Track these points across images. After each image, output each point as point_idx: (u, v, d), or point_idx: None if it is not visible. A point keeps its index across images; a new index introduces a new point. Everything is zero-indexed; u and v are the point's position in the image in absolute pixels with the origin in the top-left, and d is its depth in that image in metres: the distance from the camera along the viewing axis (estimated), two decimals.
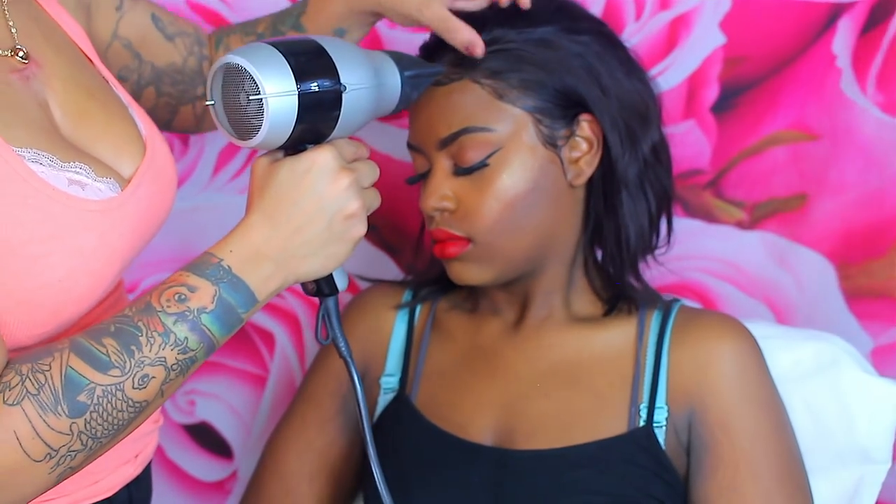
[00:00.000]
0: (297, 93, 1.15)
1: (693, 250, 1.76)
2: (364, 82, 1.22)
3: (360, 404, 1.26)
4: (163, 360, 1.11)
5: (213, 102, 1.17)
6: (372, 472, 1.47)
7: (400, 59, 1.31)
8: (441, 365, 1.52)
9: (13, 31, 1.20)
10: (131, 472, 1.31)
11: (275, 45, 1.16)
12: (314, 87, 1.16)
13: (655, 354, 1.45)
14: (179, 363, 1.12)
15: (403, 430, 1.50)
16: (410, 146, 1.47)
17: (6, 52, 1.19)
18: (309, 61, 1.17)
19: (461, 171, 1.42)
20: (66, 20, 1.29)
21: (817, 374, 1.52)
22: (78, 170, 1.17)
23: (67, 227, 1.14)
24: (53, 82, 1.21)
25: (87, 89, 1.25)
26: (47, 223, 1.13)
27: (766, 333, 1.52)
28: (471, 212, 1.42)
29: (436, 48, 1.44)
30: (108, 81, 1.29)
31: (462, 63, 1.42)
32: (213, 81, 1.17)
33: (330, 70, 1.18)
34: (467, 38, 1.40)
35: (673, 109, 1.70)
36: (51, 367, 1.08)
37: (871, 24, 1.70)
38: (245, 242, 1.16)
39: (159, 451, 1.79)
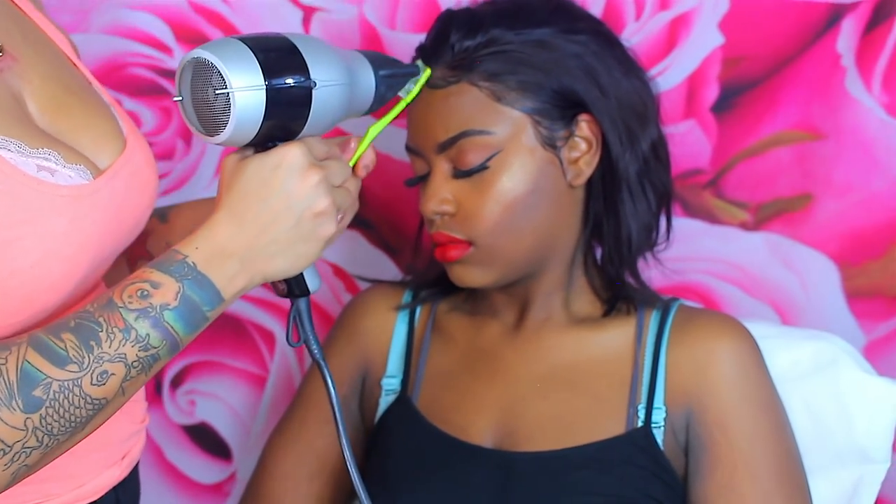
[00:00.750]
0: (264, 87, 1.14)
1: (696, 251, 1.76)
2: (336, 79, 1.21)
3: (334, 407, 1.26)
4: (123, 356, 1.09)
5: (180, 98, 1.16)
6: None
7: (374, 59, 1.30)
8: (442, 367, 1.52)
9: None
10: (118, 474, 1.29)
11: (243, 39, 1.15)
12: (283, 82, 1.15)
13: (654, 355, 1.45)
14: (140, 360, 1.10)
15: (404, 432, 1.50)
16: (409, 149, 1.47)
17: None
18: (278, 56, 1.16)
19: (460, 173, 1.42)
20: (48, 26, 1.28)
21: (816, 374, 1.52)
22: (47, 156, 1.15)
23: (38, 212, 1.12)
24: (31, 77, 1.19)
25: (67, 86, 1.23)
26: (17, 208, 1.11)
27: (765, 333, 1.51)
28: (471, 215, 1.41)
29: (433, 49, 1.44)
30: (89, 81, 1.28)
31: (460, 66, 1.42)
32: (181, 77, 1.16)
33: (300, 65, 1.17)
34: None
35: (673, 109, 1.70)
36: (7, 361, 1.06)
37: (875, 23, 1.69)
38: (211, 239, 1.15)
39: (158, 452, 1.80)
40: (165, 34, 1.74)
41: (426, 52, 1.45)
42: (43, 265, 1.13)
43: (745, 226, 1.75)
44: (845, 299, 1.72)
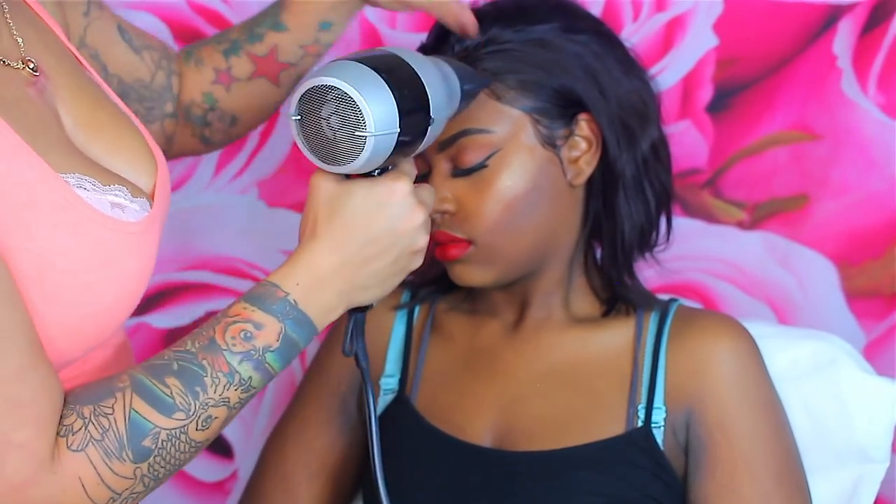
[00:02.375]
0: (397, 132, 1.12)
1: (694, 251, 1.76)
2: (445, 111, 1.20)
3: (371, 421, 1.25)
4: (226, 400, 1.09)
5: (298, 117, 1.13)
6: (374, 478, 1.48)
7: (461, 73, 1.28)
8: (440, 366, 1.52)
9: (19, 41, 1.16)
10: None
11: (378, 70, 1.12)
12: (412, 125, 1.14)
13: (653, 355, 1.45)
14: (241, 401, 1.10)
15: (403, 432, 1.49)
16: None
17: (18, 65, 1.14)
18: (410, 95, 1.14)
19: (460, 172, 1.42)
20: (46, 16, 1.25)
21: (815, 374, 1.52)
22: (117, 192, 1.13)
23: (114, 253, 1.11)
24: (61, 92, 1.17)
25: (93, 97, 1.21)
26: (97, 250, 1.09)
27: (764, 333, 1.51)
28: (471, 214, 1.41)
29: (433, 49, 1.44)
30: (100, 86, 1.26)
31: None
32: (302, 95, 1.12)
33: (425, 103, 1.16)
34: (461, 17, 1.37)
35: (669, 110, 1.70)
36: (114, 410, 1.05)
37: (872, 25, 1.70)
38: (312, 272, 1.13)
39: None
40: (164, 34, 1.74)
41: (426, 52, 1.45)
42: (116, 306, 1.12)
43: (742, 225, 1.76)
44: (845, 299, 1.73)
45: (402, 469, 1.46)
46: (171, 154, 1.45)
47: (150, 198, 1.18)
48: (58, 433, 1.05)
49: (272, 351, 1.11)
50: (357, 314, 1.23)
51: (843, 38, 1.71)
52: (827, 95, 1.72)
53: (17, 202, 1.03)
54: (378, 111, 1.10)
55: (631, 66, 1.47)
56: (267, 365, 1.11)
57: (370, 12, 1.74)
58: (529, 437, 1.44)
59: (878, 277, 1.72)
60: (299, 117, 1.13)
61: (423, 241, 1.17)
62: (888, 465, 1.50)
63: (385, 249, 1.15)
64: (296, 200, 1.79)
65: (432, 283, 1.57)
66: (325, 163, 1.13)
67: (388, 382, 1.54)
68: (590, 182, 1.46)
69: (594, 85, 1.42)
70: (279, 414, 1.76)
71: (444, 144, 1.41)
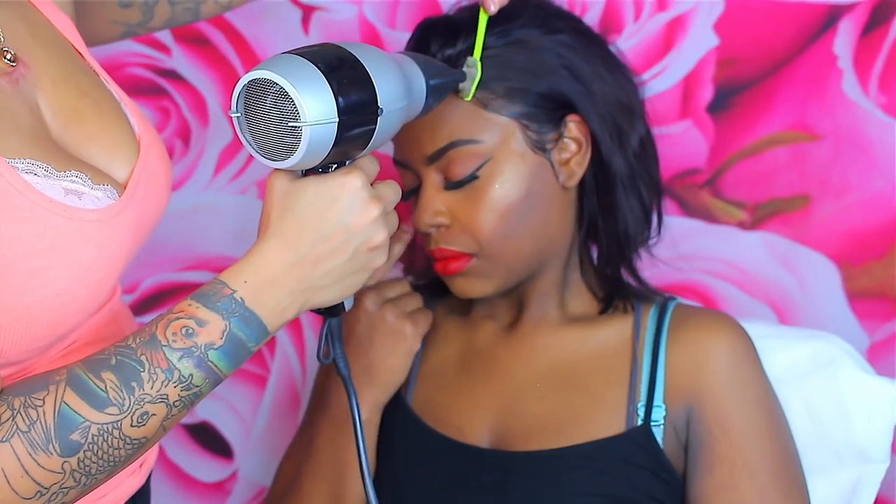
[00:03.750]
0: (337, 121, 1.09)
1: (695, 251, 1.76)
2: (398, 101, 1.17)
3: (356, 424, 1.24)
4: (164, 397, 1.06)
5: (238, 115, 1.11)
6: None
7: (426, 67, 1.26)
8: (437, 367, 1.52)
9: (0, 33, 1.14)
10: (136, 483, 1.27)
11: (313, 60, 1.09)
12: (354, 113, 1.11)
13: (652, 353, 1.45)
14: (182, 399, 1.08)
15: (400, 433, 1.49)
16: (397, 162, 1.46)
17: None
18: (350, 83, 1.11)
19: (452, 184, 1.41)
20: (53, 11, 1.23)
21: (815, 374, 1.52)
22: (74, 178, 1.11)
23: (66, 239, 1.08)
24: (43, 82, 1.15)
25: (78, 86, 1.19)
26: (45, 236, 1.07)
27: (764, 333, 1.51)
28: (468, 226, 1.41)
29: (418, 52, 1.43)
30: (98, 76, 1.24)
31: None
32: (241, 91, 1.10)
33: (369, 92, 1.13)
34: None
35: (670, 109, 1.70)
36: (44, 403, 1.03)
37: (873, 25, 1.70)
38: (262, 271, 1.10)
39: (160, 451, 1.80)
40: (164, 34, 1.74)
41: None
42: (69, 292, 1.09)
43: (742, 225, 1.75)
44: (847, 300, 1.73)
45: (399, 470, 1.46)
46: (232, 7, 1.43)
47: (124, 187, 1.16)
48: None
49: (216, 349, 1.08)
50: (330, 318, 1.22)
51: (844, 39, 1.70)
52: (828, 95, 1.72)
53: None
54: (312, 100, 1.07)
55: (613, 63, 1.46)
56: (210, 363, 1.08)
57: (370, 12, 1.74)
58: (527, 437, 1.44)
59: (880, 278, 1.71)
60: (239, 114, 1.11)
61: (380, 236, 1.15)
62: (888, 465, 1.50)
63: (338, 247, 1.13)
64: None
65: (429, 286, 1.56)
66: (269, 158, 1.11)
67: None
68: (582, 182, 1.45)
69: (579, 84, 1.42)
70: (279, 414, 1.77)
71: (434, 157, 1.40)
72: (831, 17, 1.70)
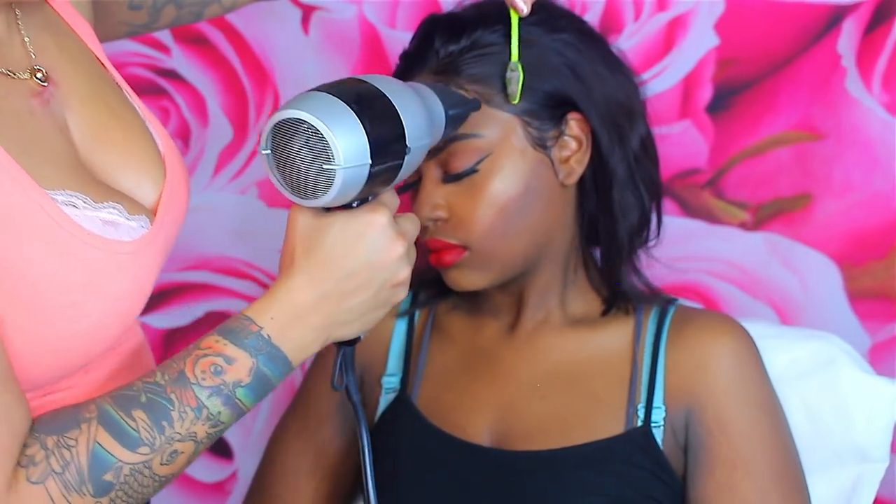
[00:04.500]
0: (369, 164, 1.09)
1: (696, 251, 1.76)
2: (424, 139, 1.17)
3: (364, 454, 1.24)
4: (193, 434, 1.07)
5: (268, 152, 1.10)
6: (376, 469, 1.48)
7: (444, 97, 1.26)
8: (441, 366, 1.52)
9: (30, 48, 1.14)
10: None
11: (347, 102, 1.09)
12: (386, 156, 1.11)
13: (652, 354, 1.45)
14: (209, 436, 1.08)
15: (404, 431, 1.49)
16: None
17: (25, 75, 1.12)
18: (382, 124, 1.11)
19: (451, 178, 1.41)
20: (73, 17, 1.22)
21: (815, 374, 1.51)
22: (111, 209, 1.10)
23: (102, 273, 1.08)
24: (72, 101, 1.15)
25: (106, 104, 1.18)
26: (82, 270, 1.07)
27: (764, 333, 1.51)
28: (464, 219, 1.41)
29: (418, 56, 1.43)
30: (122, 89, 1.23)
31: (446, 70, 1.41)
32: (272, 129, 1.10)
33: (399, 131, 1.13)
34: None
35: (670, 109, 1.70)
36: (77, 443, 1.04)
37: (876, 24, 1.70)
38: (288, 308, 1.11)
39: None
40: (164, 34, 1.75)
41: (410, 59, 1.44)
42: (103, 324, 1.10)
43: (744, 226, 1.75)
44: (848, 300, 1.72)
45: (403, 468, 1.46)
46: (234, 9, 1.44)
47: (153, 212, 1.16)
48: (19, 463, 1.03)
49: (243, 386, 1.08)
50: (345, 347, 1.21)
51: (848, 38, 1.70)
52: (831, 94, 1.72)
53: None
54: (346, 144, 1.07)
55: (615, 63, 1.47)
56: (237, 400, 1.09)
57: (370, 12, 1.74)
58: (529, 436, 1.43)
59: (881, 278, 1.71)
60: (269, 151, 1.10)
61: (404, 273, 1.15)
62: (887, 464, 1.50)
63: (364, 283, 1.13)
64: None
65: (432, 284, 1.56)
66: (298, 196, 1.10)
67: (390, 381, 1.54)
68: (582, 181, 1.45)
69: (581, 83, 1.42)
70: (279, 415, 1.77)
71: (434, 151, 1.40)
72: (835, 17, 1.70)
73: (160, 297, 1.80)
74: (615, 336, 1.47)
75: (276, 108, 1.76)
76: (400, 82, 1.19)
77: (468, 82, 1.40)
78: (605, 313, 1.48)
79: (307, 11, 1.74)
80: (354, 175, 1.09)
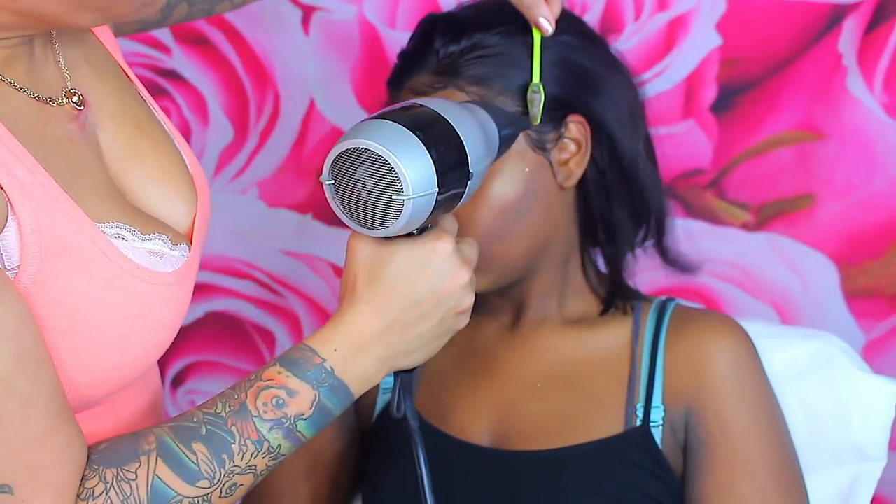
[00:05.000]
0: (436, 192, 1.08)
1: (698, 252, 1.75)
2: (483, 163, 1.16)
3: (424, 482, 1.23)
4: (253, 468, 1.06)
5: (331, 182, 1.08)
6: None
7: (497, 117, 1.24)
8: (439, 366, 1.51)
9: (63, 69, 1.12)
10: None
11: (413, 129, 1.07)
12: (451, 184, 1.10)
13: (651, 354, 1.44)
14: (268, 468, 1.08)
15: (402, 431, 1.49)
16: None
17: (61, 101, 1.10)
18: (448, 152, 1.10)
19: None
20: (100, 30, 1.20)
21: (813, 373, 1.51)
22: (158, 240, 1.09)
23: (149, 305, 1.07)
24: (103, 119, 1.13)
25: (136, 122, 1.16)
26: (131, 303, 1.06)
27: (762, 332, 1.51)
28: (464, 222, 1.40)
29: (417, 56, 1.43)
30: (147, 103, 1.21)
31: (446, 72, 1.41)
32: (335, 158, 1.08)
33: (462, 159, 1.12)
34: (542, 13, 1.33)
35: (672, 110, 1.70)
36: (137, 476, 1.03)
37: (876, 23, 1.70)
38: (352, 338, 1.10)
39: None
40: (164, 34, 1.75)
41: (409, 58, 1.44)
42: (146, 356, 1.10)
43: (746, 226, 1.75)
44: (843, 298, 1.72)
45: (401, 468, 1.46)
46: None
47: (189, 238, 1.14)
48: (78, 496, 1.03)
49: (304, 419, 1.08)
50: (403, 375, 1.20)
51: (849, 37, 1.70)
52: (832, 94, 1.72)
53: (53, 254, 1.01)
54: (415, 173, 1.06)
55: (615, 65, 1.46)
56: (298, 433, 1.08)
57: (370, 12, 1.74)
58: (528, 436, 1.43)
59: (877, 277, 1.71)
60: (333, 181, 1.09)
61: (468, 300, 1.14)
62: (885, 463, 1.49)
63: (429, 312, 1.11)
64: (295, 201, 1.79)
65: None
66: (363, 226, 1.09)
67: (388, 381, 1.53)
68: (581, 183, 1.45)
69: (581, 86, 1.42)
70: None
71: None
72: (836, 16, 1.70)
73: None
74: (613, 335, 1.47)
75: (276, 108, 1.78)
76: (455, 104, 1.17)
77: (468, 84, 1.40)
78: (603, 313, 1.48)
79: (307, 12, 1.75)
80: (422, 204, 1.07)
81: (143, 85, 1.73)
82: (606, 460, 1.41)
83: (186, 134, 1.78)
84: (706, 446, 1.41)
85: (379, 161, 1.06)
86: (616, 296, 1.48)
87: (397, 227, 1.07)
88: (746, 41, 1.72)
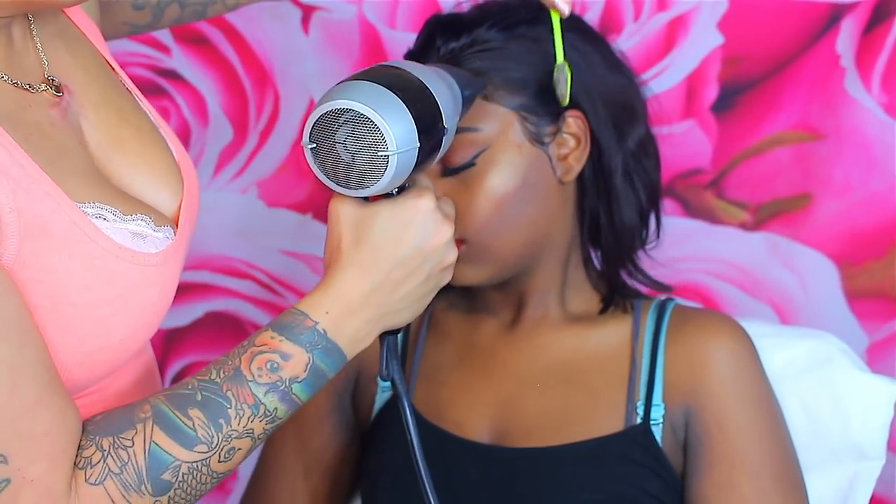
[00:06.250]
0: (418, 147, 1.09)
1: (696, 252, 1.76)
2: (454, 117, 1.18)
3: (413, 443, 1.24)
4: (250, 431, 1.07)
5: (313, 146, 1.09)
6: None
7: (458, 78, 1.26)
8: (438, 364, 1.52)
9: (43, 56, 1.13)
10: None
11: (389, 86, 1.09)
12: (430, 138, 1.11)
13: (651, 352, 1.45)
14: (266, 432, 1.08)
15: (401, 428, 1.49)
16: None
17: (40, 87, 1.10)
18: (423, 107, 1.11)
19: (449, 171, 1.41)
20: (81, 17, 1.21)
21: (811, 372, 1.51)
22: (140, 221, 1.10)
23: (132, 286, 1.08)
24: (86, 109, 1.14)
25: (120, 112, 1.17)
26: (114, 283, 1.07)
27: (761, 332, 1.51)
28: (462, 212, 1.41)
29: (420, 54, 1.43)
30: (133, 94, 1.22)
31: (445, 66, 1.42)
32: (315, 121, 1.09)
33: (437, 113, 1.14)
34: None
35: (672, 109, 1.70)
36: (133, 443, 1.04)
37: (874, 23, 1.70)
38: (342, 300, 1.11)
39: None
40: (164, 33, 1.75)
41: (414, 58, 1.44)
42: (132, 337, 1.10)
43: (745, 226, 1.75)
44: (846, 300, 1.72)
45: (399, 464, 1.46)
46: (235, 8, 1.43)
47: (174, 222, 1.15)
48: (76, 465, 1.03)
49: (299, 382, 1.08)
50: (388, 337, 1.21)
51: (846, 37, 1.70)
52: (830, 94, 1.72)
53: (32, 234, 1.02)
54: (397, 128, 1.07)
55: (615, 64, 1.47)
56: (294, 396, 1.08)
57: (370, 12, 1.74)
58: (527, 433, 1.44)
59: (879, 278, 1.71)
60: (314, 145, 1.10)
61: (452, 255, 1.15)
62: (884, 462, 1.49)
63: (415, 270, 1.13)
64: (295, 200, 1.79)
65: None
66: (346, 187, 1.10)
67: (387, 382, 1.54)
68: (582, 179, 1.46)
69: (579, 81, 1.42)
70: None
71: None
72: (834, 16, 1.70)
73: None
74: (613, 333, 1.47)
75: (276, 108, 1.78)
76: (424, 66, 1.19)
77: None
78: (603, 311, 1.49)
79: (307, 11, 1.75)
80: (406, 159, 1.09)
81: (144, 85, 1.75)
82: (606, 458, 1.41)
83: (187, 134, 1.78)
84: (705, 445, 1.41)
85: (361, 120, 1.07)
86: (616, 294, 1.49)
87: (382, 185, 1.09)
88: (749, 40, 1.72)
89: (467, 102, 1.28)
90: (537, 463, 1.42)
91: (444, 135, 1.15)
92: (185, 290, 1.79)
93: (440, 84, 1.17)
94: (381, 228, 1.12)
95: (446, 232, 1.14)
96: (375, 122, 1.07)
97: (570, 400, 1.45)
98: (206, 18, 1.43)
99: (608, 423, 1.42)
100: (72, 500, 1.02)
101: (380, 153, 1.07)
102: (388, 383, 1.53)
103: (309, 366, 1.09)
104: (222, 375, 1.07)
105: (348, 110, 1.07)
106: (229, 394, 1.06)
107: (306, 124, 1.09)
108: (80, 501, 1.03)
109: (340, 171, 1.09)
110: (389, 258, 1.11)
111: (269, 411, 1.07)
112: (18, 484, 1.00)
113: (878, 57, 1.70)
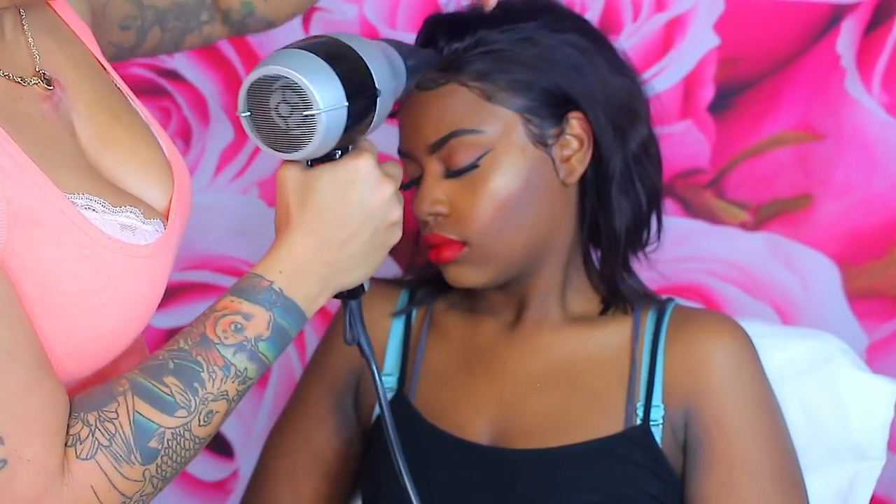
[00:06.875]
0: (346, 106, 1.12)
1: (697, 252, 1.76)
2: (389, 83, 1.20)
3: (381, 401, 1.26)
4: (225, 393, 1.09)
5: (248, 114, 1.13)
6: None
7: (401, 50, 1.28)
8: (439, 365, 1.52)
9: (34, 51, 1.14)
10: None
11: (313, 51, 1.13)
12: (359, 97, 1.14)
13: (651, 353, 1.45)
14: (239, 393, 1.10)
15: (402, 430, 1.48)
16: (401, 153, 1.47)
17: (31, 81, 1.12)
18: (351, 69, 1.14)
19: (452, 173, 1.42)
20: (74, 20, 1.23)
21: (811, 372, 1.52)
22: (129, 213, 1.12)
23: (121, 277, 1.09)
24: (78, 105, 1.16)
25: (111, 110, 1.19)
26: (103, 273, 1.08)
27: (761, 332, 1.51)
28: (464, 214, 1.41)
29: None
30: (124, 93, 1.24)
31: (449, 67, 1.42)
32: (247, 90, 1.13)
33: (368, 76, 1.16)
34: None
35: (670, 110, 1.70)
36: (118, 415, 1.05)
37: (875, 24, 1.70)
38: (293, 260, 1.13)
39: None
40: None
41: None
42: (122, 328, 1.11)
43: (745, 226, 1.75)
44: (846, 299, 1.72)
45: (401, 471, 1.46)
46: (209, 42, 1.45)
47: (165, 216, 1.17)
48: (66, 443, 1.05)
49: (264, 340, 1.11)
50: (351, 301, 1.23)
51: (847, 38, 1.70)
52: (831, 95, 1.72)
53: (21, 223, 1.03)
54: (322, 88, 1.10)
55: (619, 65, 1.47)
56: (261, 354, 1.11)
57: (370, 12, 1.74)
58: (528, 435, 1.44)
59: (879, 278, 1.71)
60: (249, 113, 1.13)
61: (396, 213, 1.17)
62: (884, 462, 1.50)
63: (360, 228, 1.15)
64: None
65: (429, 282, 1.57)
66: (284, 152, 1.13)
67: (387, 381, 1.54)
68: (584, 181, 1.46)
69: (583, 83, 1.43)
70: (279, 414, 1.77)
71: (436, 146, 1.41)
72: (834, 17, 1.70)
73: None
74: (614, 335, 1.47)
75: None
76: (360, 36, 1.22)
77: (470, 79, 1.41)
78: (603, 312, 1.49)
79: (307, 11, 1.75)
80: (335, 118, 1.11)
81: (145, 85, 1.76)
82: (606, 459, 1.41)
83: (187, 134, 1.78)
84: (705, 446, 1.41)
85: (289, 85, 1.10)
86: (616, 295, 1.49)
87: (315, 145, 1.11)
88: (744, 41, 1.72)
89: (413, 71, 1.28)
90: (537, 464, 1.42)
91: (378, 96, 1.16)
92: (185, 290, 1.80)
93: (372, 48, 1.20)
94: (324, 189, 1.14)
95: (387, 189, 1.16)
96: (300, 84, 1.10)
97: (570, 401, 1.45)
98: (182, 49, 1.45)
99: (608, 424, 1.43)
100: (66, 479, 1.04)
101: (307, 113, 1.10)
102: (389, 385, 1.53)
103: (271, 324, 1.11)
104: (190, 342, 1.09)
105: (277, 76, 1.11)
106: (199, 358, 1.08)
107: (239, 95, 1.13)
108: (74, 478, 1.04)
109: (277, 137, 1.12)
110: (333, 218, 1.14)
111: (239, 371, 1.09)
112: (15, 464, 1.02)
113: (879, 57, 1.70)
